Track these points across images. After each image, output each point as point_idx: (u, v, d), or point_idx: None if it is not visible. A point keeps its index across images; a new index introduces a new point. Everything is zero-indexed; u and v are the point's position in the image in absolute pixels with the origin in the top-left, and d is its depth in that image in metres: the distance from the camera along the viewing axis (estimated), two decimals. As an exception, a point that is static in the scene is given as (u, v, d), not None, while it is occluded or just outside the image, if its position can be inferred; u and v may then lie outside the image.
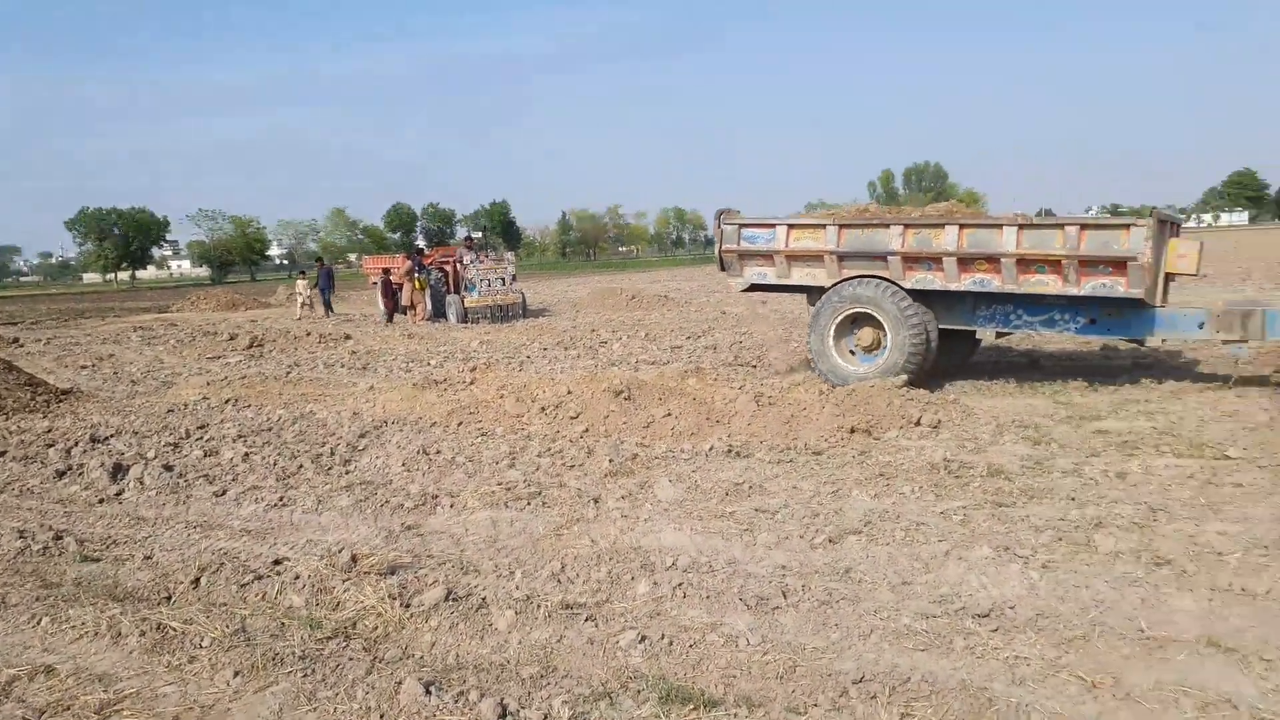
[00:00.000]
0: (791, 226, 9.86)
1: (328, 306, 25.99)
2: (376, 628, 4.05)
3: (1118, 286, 8.29)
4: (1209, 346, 9.23)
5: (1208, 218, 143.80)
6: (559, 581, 4.50)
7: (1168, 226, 8.78)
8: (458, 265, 21.76)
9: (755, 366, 11.66)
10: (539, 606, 4.16)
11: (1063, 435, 7.10)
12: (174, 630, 4.04)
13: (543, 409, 8.11)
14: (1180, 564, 4.35)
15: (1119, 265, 8.22)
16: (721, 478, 6.21)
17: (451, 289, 21.85)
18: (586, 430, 7.64)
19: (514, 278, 22.42)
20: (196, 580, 4.60)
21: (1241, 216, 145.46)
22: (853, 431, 7.23)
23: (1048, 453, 6.60)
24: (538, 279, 51.96)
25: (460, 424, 8.12)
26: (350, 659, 3.75)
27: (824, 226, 9.64)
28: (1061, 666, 3.48)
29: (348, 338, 17.70)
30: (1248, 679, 3.32)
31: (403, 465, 6.86)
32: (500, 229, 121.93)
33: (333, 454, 7.28)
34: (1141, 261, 8.05)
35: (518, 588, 4.43)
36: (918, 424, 7.44)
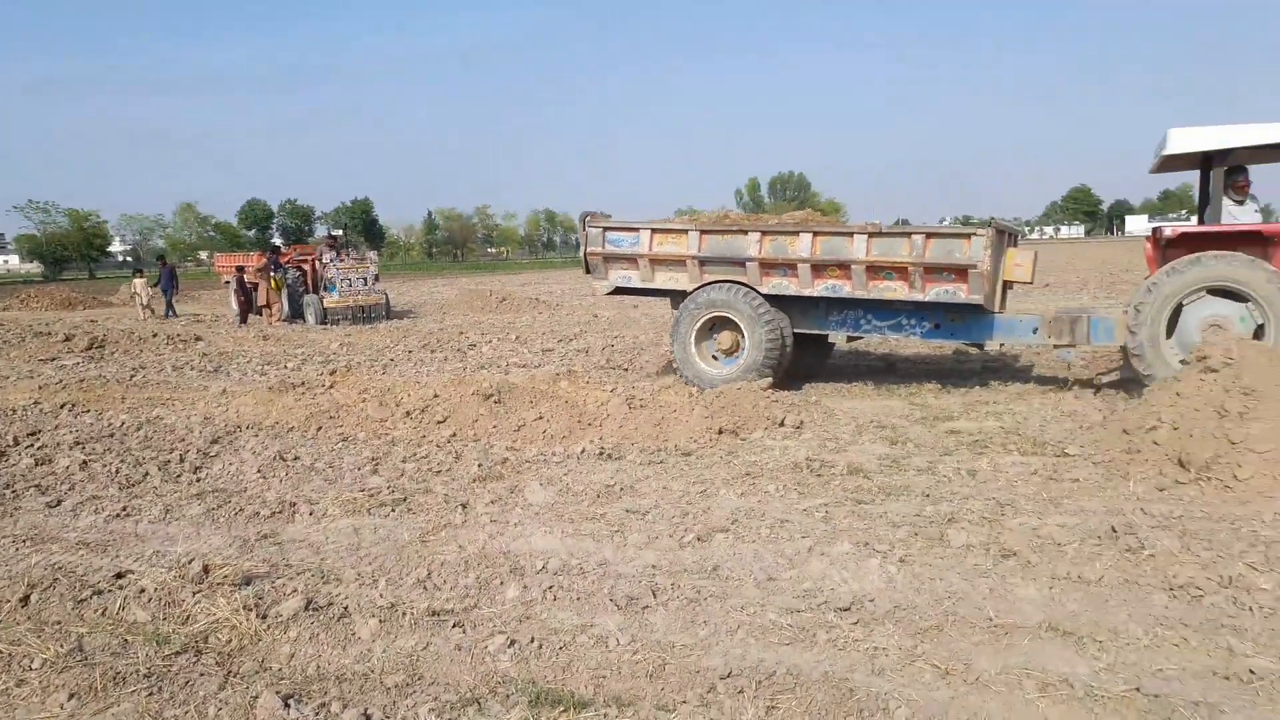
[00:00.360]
0: (655, 231, 9.97)
1: (170, 308, 24.48)
2: (230, 641, 3.86)
3: (959, 292, 8.72)
4: (1049, 351, 9.81)
5: (1049, 230, 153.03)
6: (425, 588, 4.41)
7: (1006, 237, 9.29)
8: (317, 264, 21.07)
9: (627, 369, 11.74)
10: (404, 614, 4.06)
11: (917, 435, 7.41)
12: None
13: (408, 413, 7.93)
14: (1025, 555, 4.59)
15: (961, 272, 8.64)
16: (593, 480, 6.22)
17: (310, 289, 21.11)
18: (454, 435, 7.51)
19: (377, 278, 21.86)
20: (25, 598, 4.26)
21: (1079, 230, 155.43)
22: (721, 432, 7.37)
23: (904, 452, 6.88)
24: (402, 280, 50.83)
25: (320, 429, 7.85)
26: (201, 675, 3.56)
27: (686, 232, 9.80)
28: (917, 656, 3.62)
29: (198, 339, 16.82)
30: (1083, 660, 3.53)
31: (258, 472, 6.59)
32: (363, 227, 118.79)
33: (182, 461, 6.92)
34: (981, 269, 8.48)
35: (382, 595, 4.31)
36: (782, 425, 7.64)
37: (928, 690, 3.36)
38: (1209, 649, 3.55)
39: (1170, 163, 8.92)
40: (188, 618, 4.04)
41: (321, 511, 5.69)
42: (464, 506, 5.71)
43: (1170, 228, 8.59)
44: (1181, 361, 8.04)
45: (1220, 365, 6.10)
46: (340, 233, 29.41)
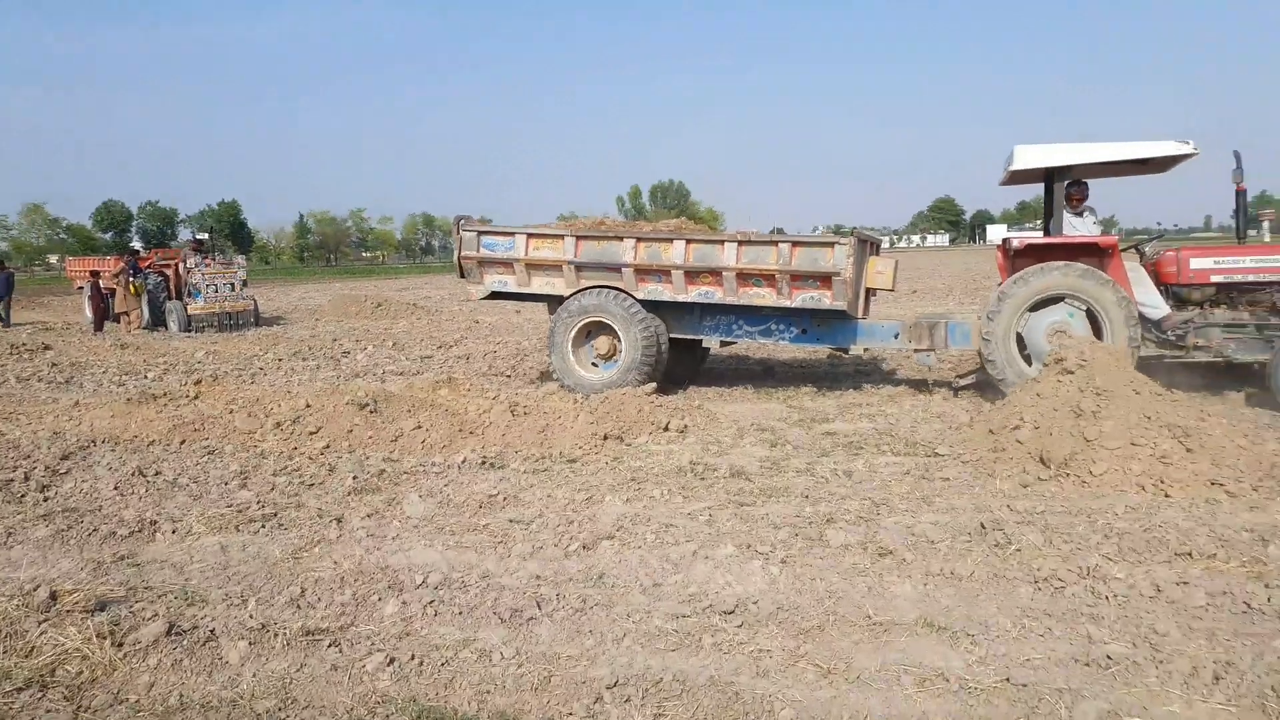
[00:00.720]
0: (531, 236, 9.94)
1: (4, 318, 22.14)
2: (82, 672, 3.59)
3: (824, 299, 9.01)
4: (912, 356, 10.20)
5: (916, 239, 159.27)
6: (298, 607, 4.23)
7: (868, 246, 9.69)
8: (180, 268, 20.10)
9: (510, 376, 11.62)
10: (276, 635, 3.89)
11: (796, 437, 7.55)
12: None
13: (278, 424, 7.61)
14: (900, 553, 4.72)
15: (825, 280, 8.93)
16: (475, 490, 6.10)
17: (173, 294, 20.11)
18: (328, 446, 7.25)
19: (245, 283, 21.01)
20: None
21: (944, 238, 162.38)
22: (606, 438, 7.35)
23: (783, 454, 7.00)
24: (272, 285, 49.09)
25: (183, 442, 7.46)
26: (48, 711, 3.31)
27: (562, 237, 9.81)
28: (800, 656, 3.67)
29: (47, 348, 15.62)
30: (957, 653, 3.65)
31: (115, 489, 6.19)
32: (230, 231, 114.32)
33: (27, 479, 6.39)
34: (844, 276, 8.79)
35: (252, 616, 4.11)
36: (666, 429, 7.69)
37: (811, 690, 3.41)
38: (1071, 637, 3.73)
39: (1017, 177, 9.43)
40: (32, 650, 3.73)
41: (185, 529, 5.39)
42: (339, 521, 5.51)
43: (1017, 239, 9.07)
44: (1030, 365, 8.53)
45: (1075, 367, 6.44)
46: (206, 236, 28.09)
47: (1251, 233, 9.92)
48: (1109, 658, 3.52)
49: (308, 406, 7.78)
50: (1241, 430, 6.57)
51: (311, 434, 7.41)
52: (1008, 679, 3.41)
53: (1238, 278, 8.59)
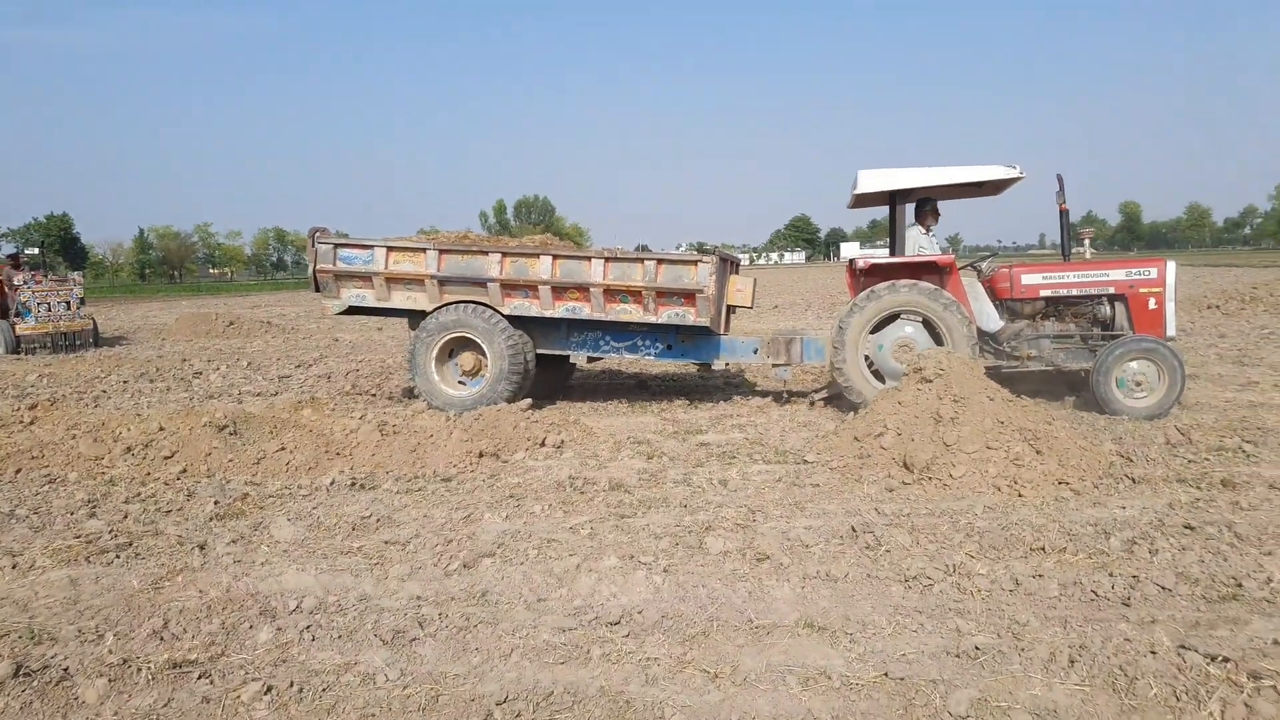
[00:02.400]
0: (391, 249, 9.72)
1: None
2: (-76, 721, 3.33)
3: (689, 315, 9.24)
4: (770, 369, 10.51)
5: (774, 256, 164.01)
6: (163, 639, 4.00)
7: (729, 264, 9.97)
8: (5, 287, 18.71)
9: (375, 395, 11.31)
10: (139, 670, 3.67)
11: (672, 449, 7.66)
12: None
13: (129, 449, 7.19)
14: (777, 558, 4.85)
15: (689, 297, 9.16)
16: (346, 512, 5.92)
17: (-1, 314, 18.74)
18: (185, 470, 6.90)
19: (82, 301, 19.74)
20: None
21: (800, 256, 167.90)
22: (481, 455, 7.26)
23: (660, 465, 7.09)
24: (111, 304, 46.30)
25: (19, 471, 6.95)
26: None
27: (424, 250, 9.63)
28: (687, 662, 3.72)
29: None
30: (837, 652, 3.78)
31: (-59, 525, 5.71)
32: (61, 246, 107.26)
33: None
34: (708, 294, 9.04)
35: (111, 652, 3.86)
36: (543, 445, 7.66)
37: (699, 694, 3.47)
38: (941, 631, 3.91)
39: (862, 200, 9.87)
40: None
41: (28, 563, 5.02)
42: (202, 548, 5.25)
43: (862, 259, 9.50)
44: (881, 380, 8.94)
45: (934, 376, 6.77)
46: (36, 250, 26.20)
47: (1078, 250, 10.65)
48: (976, 648, 3.72)
49: (161, 430, 7.38)
50: (1081, 433, 7.07)
51: (166, 458, 7.03)
52: (885, 673, 3.55)
53: (1063, 292, 9.23)
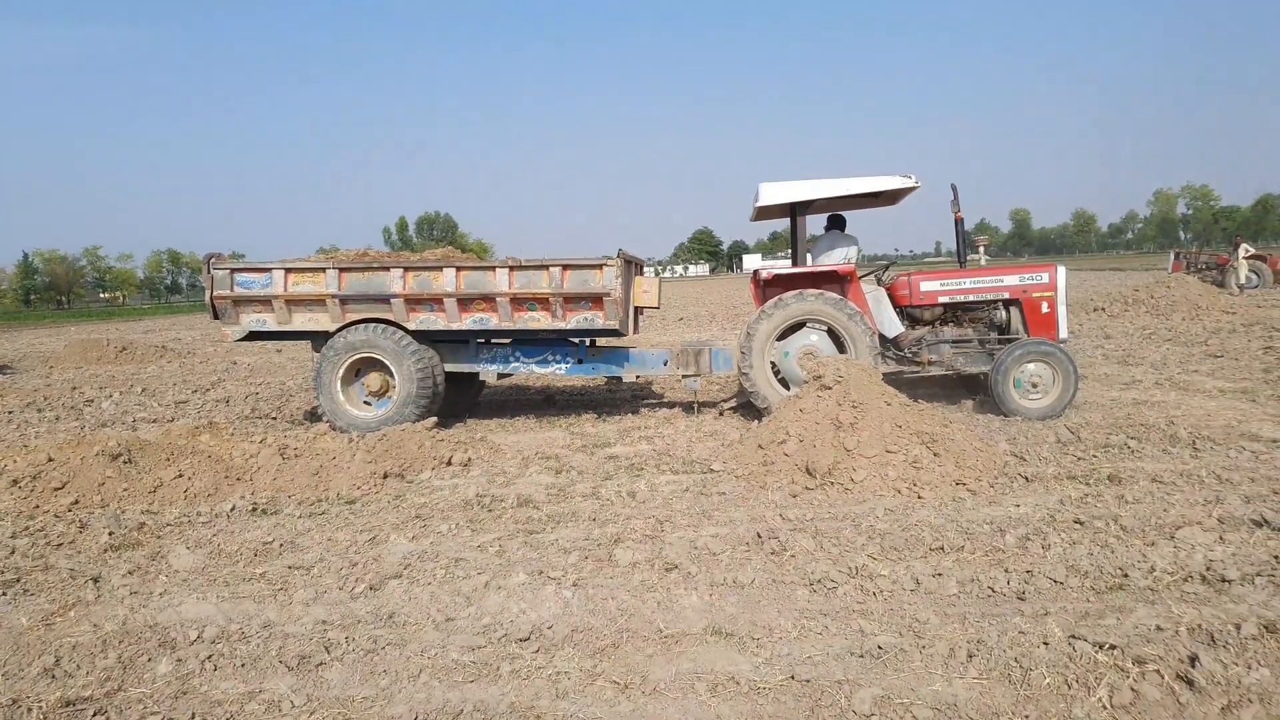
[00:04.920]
0: (289, 270, 9.51)
1: None
2: None
3: (597, 319, 9.26)
4: (680, 380, 10.63)
5: (679, 269, 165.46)
6: (54, 677, 3.85)
7: (633, 266, 10.00)
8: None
9: (276, 418, 11.03)
10: (29, 710, 3.52)
11: (580, 463, 7.67)
12: None
13: (15, 482, 6.84)
14: (685, 567, 4.91)
15: (597, 300, 9.20)
16: (248, 538, 5.77)
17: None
18: (76, 502, 6.61)
19: (-37, 330, 18.84)
20: None
21: (704, 268, 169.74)
22: (386, 476, 7.15)
23: (569, 480, 7.09)
24: (-7, 331, 44.24)
25: (-103, 508, 6.60)
26: None
27: (324, 270, 9.46)
28: (598, 675, 3.74)
29: None
30: (744, 657, 3.84)
31: None
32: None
33: None
34: (614, 296, 9.09)
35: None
36: (449, 463, 7.59)
37: (610, 706, 3.49)
38: (845, 633, 4.01)
39: (764, 212, 10.08)
40: None
41: (-93, 604, 4.78)
42: (95, 580, 5.05)
43: (766, 270, 9.67)
44: (786, 387, 9.13)
45: (833, 383, 6.94)
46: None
47: (973, 257, 11.06)
48: (879, 648, 3.82)
49: (50, 460, 7.05)
50: (977, 434, 7.32)
51: (56, 490, 6.72)
52: (792, 676, 3.63)
53: (960, 298, 9.56)
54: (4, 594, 4.91)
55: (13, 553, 5.61)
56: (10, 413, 12.46)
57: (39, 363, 21.70)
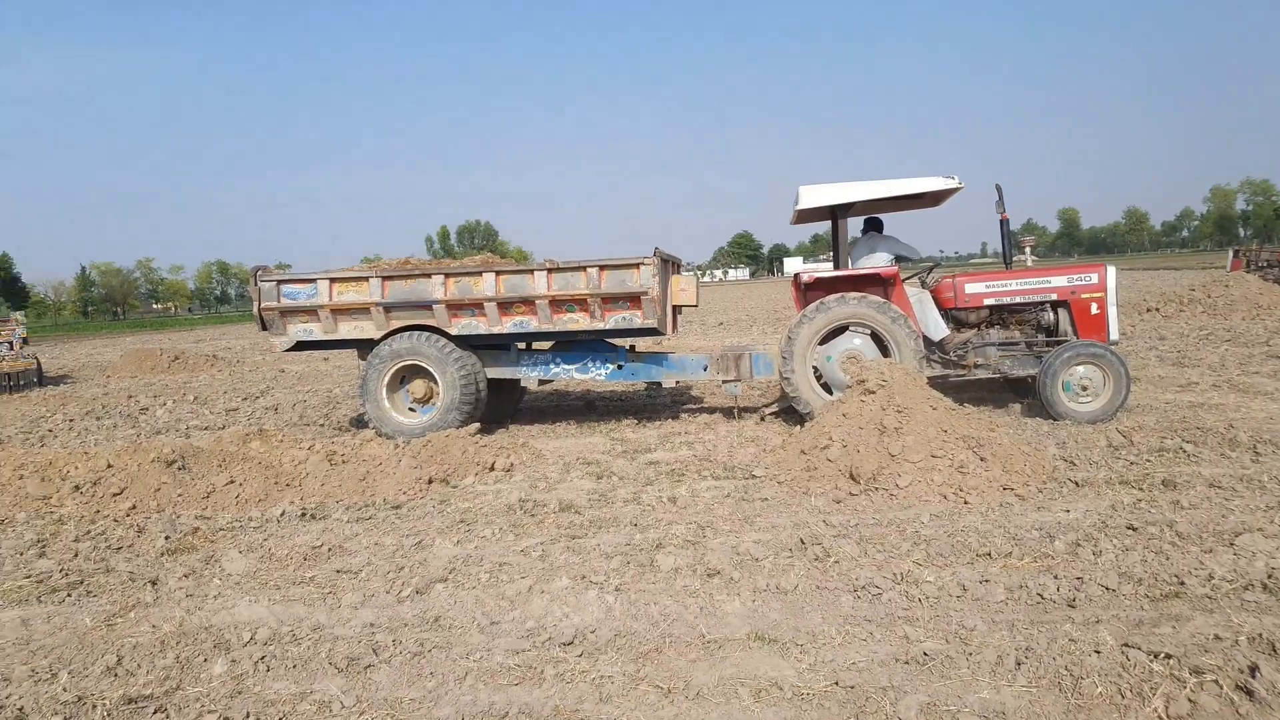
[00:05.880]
0: (334, 280, 9.68)
1: None
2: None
3: (635, 318, 9.27)
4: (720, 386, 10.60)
5: (719, 273, 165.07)
6: (116, 675, 3.96)
7: (670, 265, 10.00)
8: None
9: (323, 425, 11.22)
10: (94, 707, 3.62)
11: (621, 468, 7.70)
12: None
13: (77, 487, 7.06)
14: (727, 573, 4.90)
15: (634, 299, 9.21)
16: (297, 542, 5.88)
17: (-61, 356, 18.31)
18: (134, 507, 6.79)
19: (25, 341, 19.36)
20: None
21: (744, 272, 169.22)
22: (430, 482, 7.25)
23: (610, 485, 7.12)
24: (54, 342, 45.45)
25: (-34, 513, 6.82)
26: None
27: (367, 279, 9.61)
28: (641, 679, 3.75)
29: None
30: (788, 663, 3.83)
31: (-111, 570, 5.59)
32: (0, 286, 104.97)
33: None
34: (652, 295, 9.09)
35: (65, 690, 3.81)
36: (492, 469, 7.66)
37: (653, 711, 3.50)
38: (890, 639, 3.98)
39: (804, 215, 10.03)
40: None
41: (-23, 605, 4.94)
42: (153, 583, 5.19)
43: (807, 274, 9.62)
44: (829, 392, 9.08)
45: (877, 388, 6.89)
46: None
47: (1019, 257, 10.92)
48: (925, 654, 3.79)
49: (109, 467, 7.26)
50: (1025, 439, 7.22)
51: (115, 495, 6.92)
52: (836, 683, 3.61)
53: (1007, 300, 9.43)
54: (69, 595, 5.06)
55: (76, 555, 5.78)
56: (71, 420, 12.82)
57: (97, 372, 22.29)
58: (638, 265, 9.14)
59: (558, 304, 9.37)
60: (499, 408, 10.84)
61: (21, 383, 18.66)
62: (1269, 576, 4.38)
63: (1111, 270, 9.33)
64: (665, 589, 4.74)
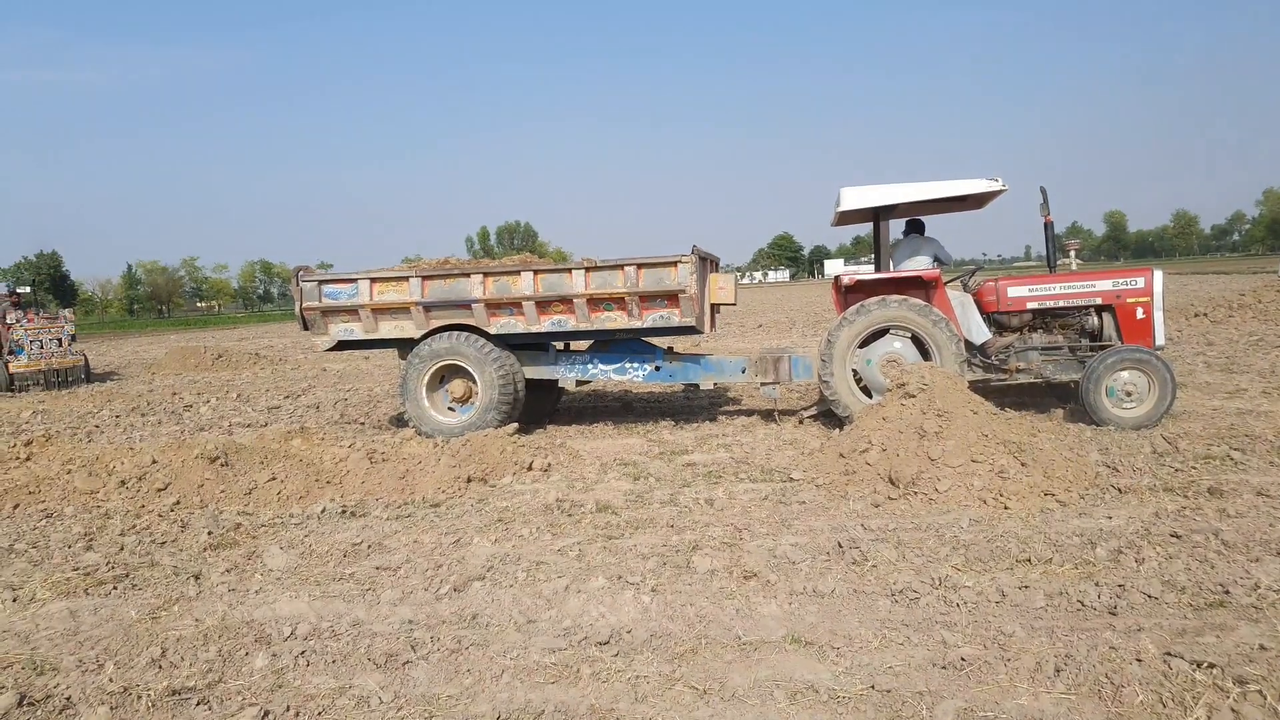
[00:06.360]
0: (374, 280, 9.76)
1: None
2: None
3: (673, 317, 9.25)
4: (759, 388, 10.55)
5: (758, 275, 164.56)
6: (160, 667, 4.04)
7: (708, 263, 9.97)
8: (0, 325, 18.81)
9: (364, 423, 11.35)
10: (139, 697, 3.71)
11: (658, 470, 7.71)
12: None
13: (123, 482, 7.21)
14: (764, 575, 4.89)
15: (672, 298, 9.19)
16: (337, 539, 5.96)
17: (-8, 353, 18.76)
18: (178, 502, 6.93)
19: (74, 338, 19.78)
20: None
21: (784, 274, 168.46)
22: (469, 481, 7.30)
23: (646, 486, 7.14)
24: (102, 339, 46.38)
25: (17, 506, 6.98)
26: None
27: (407, 279, 9.69)
28: (676, 679, 3.76)
29: None
30: (824, 666, 3.82)
31: (-58, 561, 5.74)
32: (51, 284, 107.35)
33: None
34: (690, 293, 9.07)
35: (111, 680, 3.90)
36: (530, 469, 7.70)
37: (688, 711, 3.50)
38: (927, 644, 3.95)
39: (846, 217, 9.95)
40: None
41: (28, 596, 5.07)
42: (197, 578, 5.29)
43: (848, 276, 9.55)
44: (869, 395, 9.01)
45: (917, 391, 6.84)
46: (28, 289, 26.16)
47: (1064, 261, 10.77)
48: (963, 659, 3.76)
49: (154, 462, 7.41)
50: (1067, 444, 7.13)
51: (160, 491, 7.06)
52: (873, 686, 3.59)
53: (1050, 304, 9.30)
54: (115, 588, 5.17)
55: (121, 549, 5.91)
56: (117, 416, 13.08)
57: (142, 369, 22.72)
58: (675, 263, 9.12)
59: (595, 303, 9.38)
60: (537, 408, 10.89)
61: (70, 379, 19.06)
62: (1317, 587, 4.30)
63: (1158, 275, 9.18)
64: (701, 590, 4.74)
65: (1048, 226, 9.27)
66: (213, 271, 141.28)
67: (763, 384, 9.92)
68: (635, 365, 9.98)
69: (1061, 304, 9.28)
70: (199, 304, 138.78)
